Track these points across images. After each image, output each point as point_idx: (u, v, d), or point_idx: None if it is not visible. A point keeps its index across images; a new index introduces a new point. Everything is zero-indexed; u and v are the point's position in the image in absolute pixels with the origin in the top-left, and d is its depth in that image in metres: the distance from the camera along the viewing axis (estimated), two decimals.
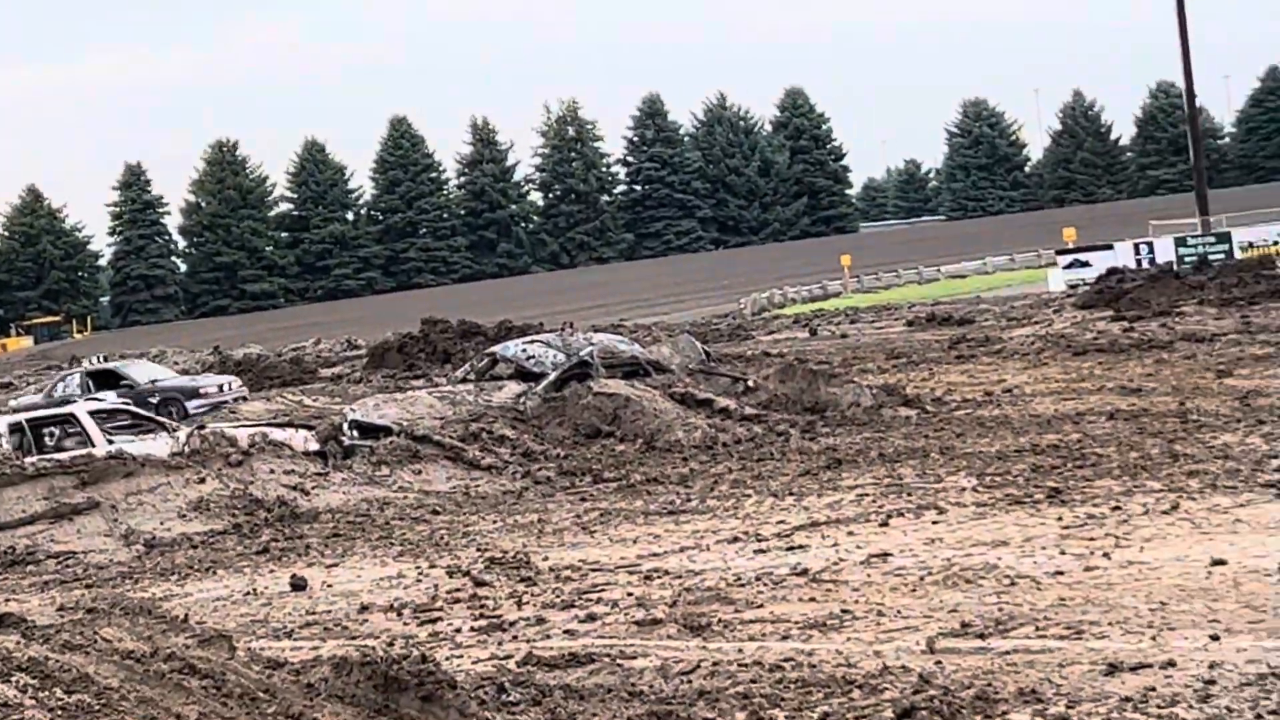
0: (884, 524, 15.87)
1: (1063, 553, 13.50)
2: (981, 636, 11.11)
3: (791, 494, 18.20)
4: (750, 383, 26.16)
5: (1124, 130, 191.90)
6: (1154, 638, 10.62)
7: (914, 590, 12.81)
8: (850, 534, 15.54)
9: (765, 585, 13.52)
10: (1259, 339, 28.39)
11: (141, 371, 46.03)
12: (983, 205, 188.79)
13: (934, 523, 15.63)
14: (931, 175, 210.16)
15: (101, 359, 50.34)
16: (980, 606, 11.96)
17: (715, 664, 11.03)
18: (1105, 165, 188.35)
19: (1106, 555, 13.21)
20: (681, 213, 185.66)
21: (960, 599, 12.30)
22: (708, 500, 18.51)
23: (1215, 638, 10.40)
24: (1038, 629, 11.17)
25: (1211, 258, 50.10)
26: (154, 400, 42.20)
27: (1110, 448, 18.74)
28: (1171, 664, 9.94)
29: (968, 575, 13.05)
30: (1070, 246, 60.81)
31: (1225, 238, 54.57)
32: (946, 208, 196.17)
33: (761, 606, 12.75)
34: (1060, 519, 14.99)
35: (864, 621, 11.97)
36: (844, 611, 12.26)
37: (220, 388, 44.21)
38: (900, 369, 31.70)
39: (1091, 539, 13.94)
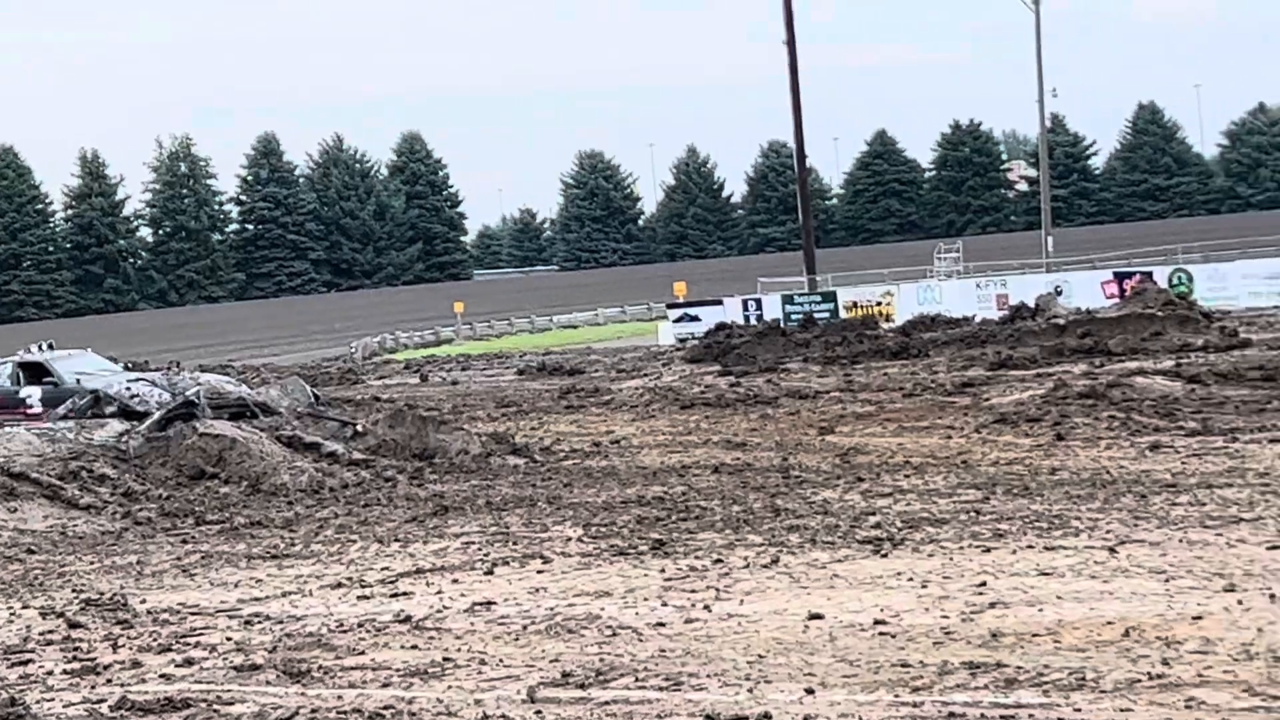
0: (489, 572, 15.82)
1: (665, 604, 13.63)
2: (582, 686, 11.13)
3: (397, 540, 18.04)
4: (359, 427, 25.92)
5: (736, 188, 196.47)
6: (751, 690, 10.76)
7: (517, 639, 12.78)
8: (455, 581, 15.46)
9: (368, 632, 13.34)
10: (860, 397, 29.22)
11: (72, 366, 39.92)
12: (596, 257, 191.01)
13: (539, 572, 15.64)
14: (547, 225, 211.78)
15: (43, 346, 42.41)
16: (582, 656, 11.99)
17: (314, 711, 10.82)
18: (717, 221, 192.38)
19: (707, 607, 13.38)
20: (294, 254, 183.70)
21: (562, 648, 12.31)
22: (312, 545, 18.22)
23: (810, 691, 10.59)
24: (638, 679, 11.23)
25: (817, 316, 51.49)
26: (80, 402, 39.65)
27: (714, 501, 19.05)
28: (767, 716, 10.08)
29: (570, 625, 13.07)
30: (680, 300, 61.94)
31: (831, 296, 56.21)
32: (560, 258, 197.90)
33: (363, 653, 12.58)
34: (663, 570, 15.15)
35: (465, 670, 11.88)
36: (446, 659, 12.16)
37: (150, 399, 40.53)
38: (510, 417, 31.75)
39: (693, 591, 14.11)
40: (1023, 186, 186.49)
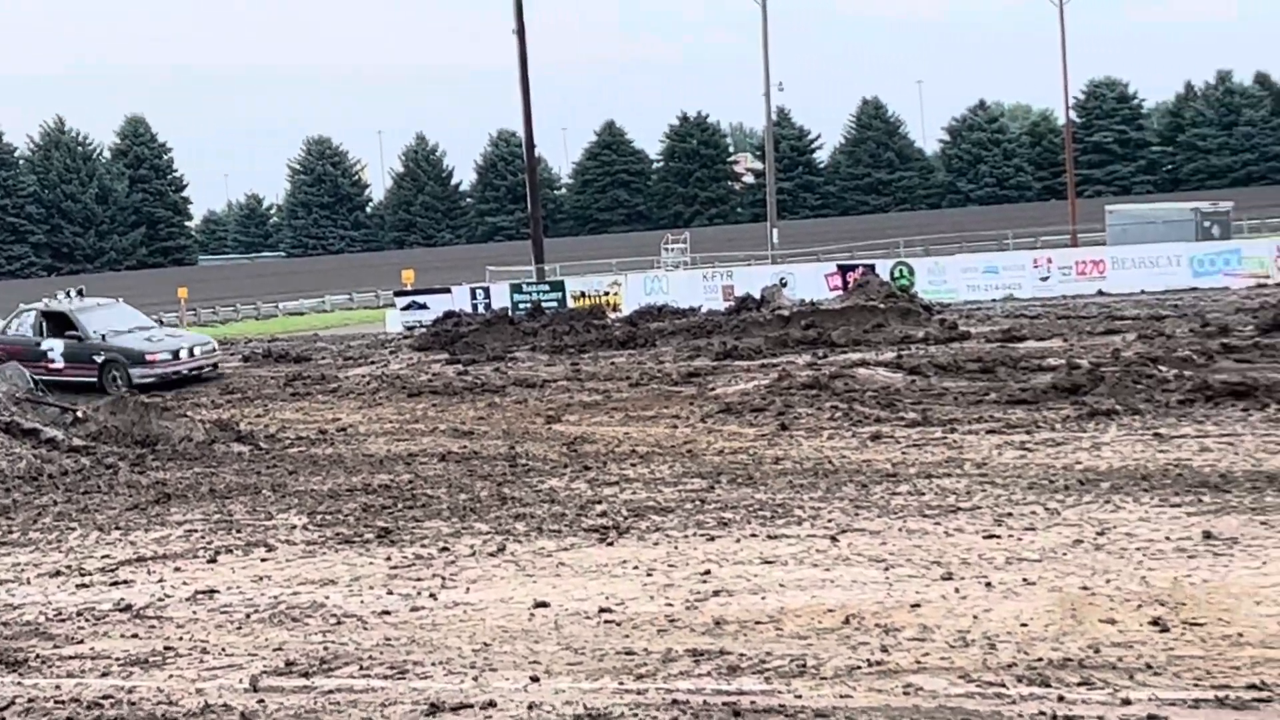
0: (212, 560, 15.59)
1: (390, 592, 13.55)
2: (306, 675, 11.02)
3: (118, 528, 17.68)
4: (80, 413, 25.32)
5: (465, 176, 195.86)
6: (476, 678, 10.75)
7: (240, 628, 12.61)
8: (177, 570, 15.21)
9: (87, 621, 13.07)
10: (587, 386, 29.30)
11: (99, 319, 37.39)
12: (324, 244, 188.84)
13: (263, 560, 15.45)
14: (274, 211, 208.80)
15: (71, 294, 39.47)
16: (306, 645, 11.87)
17: (31, 700, 10.58)
18: (446, 210, 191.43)
19: (433, 595, 13.33)
20: (14, 237, 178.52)
21: (286, 637, 12.17)
22: (30, 532, 17.78)
23: (535, 679, 10.61)
24: (362, 668, 11.15)
25: (545, 305, 51.54)
26: (99, 359, 36.13)
27: (441, 489, 18.97)
28: (492, 704, 10.07)
29: (294, 614, 12.94)
30: (408, 288, 61.43)
31: (559, 286, 56.26)
32: (288, 244, 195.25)
33: (82, 642, 12.32)
34: (389, 559, 15.06)
35: (187, 659, 11.70)
36: (167, 648, 11.95)
37: (177, 354, 36.71)
38: (235, 404, 31.27)
39: (419, 579, 14.05)
40: (749, 179, 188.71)
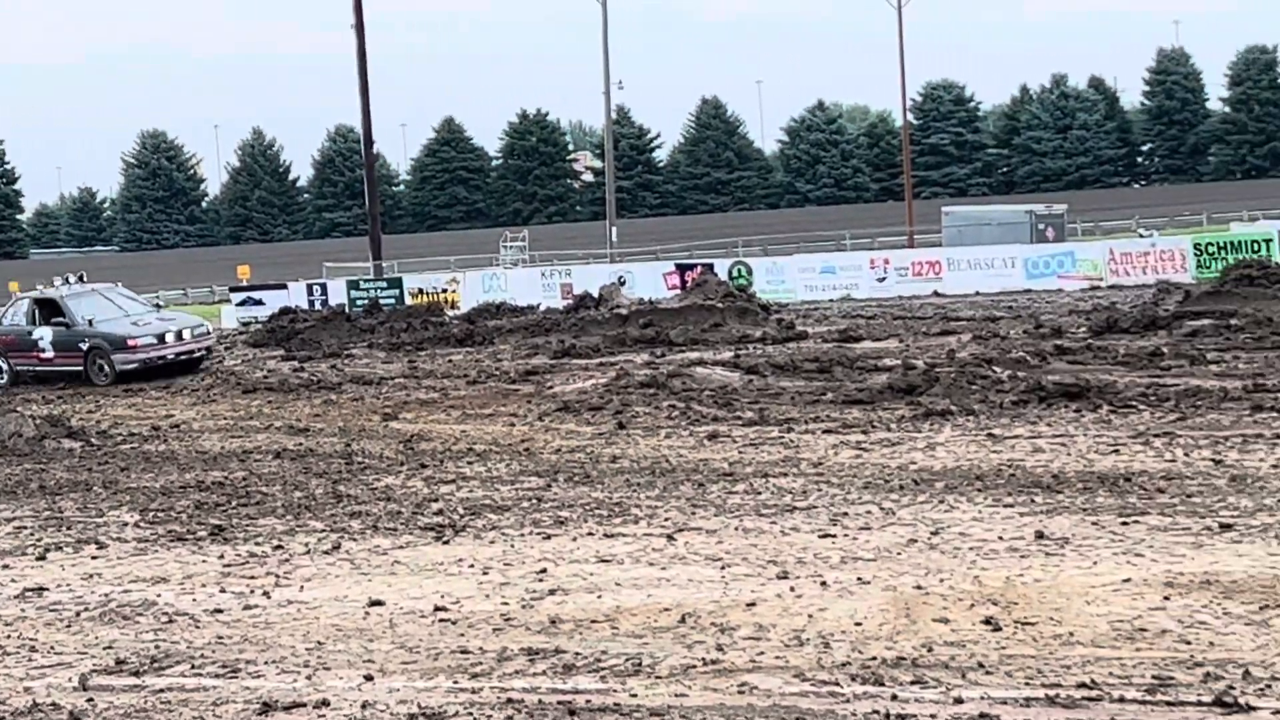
0: (41, 558, 15.34)
1: (223, 590, 13.41)
2: (136, 674, 10.86)
3: None
4: None
5: (303, 172, 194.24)
6: (309, 677, 10.65)
7: (69, 626, 12.41)
8: (5, 567, 14.96)
9: None
10: (425, 384, 29.17)
11: (89, 305, 35.37)
12: (158, 238, 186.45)
13: (93, 558, 15.22)
14: (107, 205, 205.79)
15: (70, 280, 37.14)
16: (137, 643, 11.71)
17: None
18: (283, 205, 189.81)
19: (267, 594, 13.20)
20: None
21: (117, 635, 12.00)
22: None
23: (369, 678, 10.53)
24: (194, 667, 11.01)
25: (383, 302, 51.24)
26: (84, 346, 34.18)
27: (275, 486, 18.80)
28: (325, 703, 9.98)
29: (125, 612, 12.76)
30: (244, 284, 60.80)
31: (397, 283, 55.93)
32: (122, 238, 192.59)
33: None
34: (222, 557, 14.90)
35: (15, 657, 11.51)
36: None
37: (163, 337, 34.51)
38: (66, 400, 30.81)
39: (252, 577, 13.91)
40: (589, 177, 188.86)
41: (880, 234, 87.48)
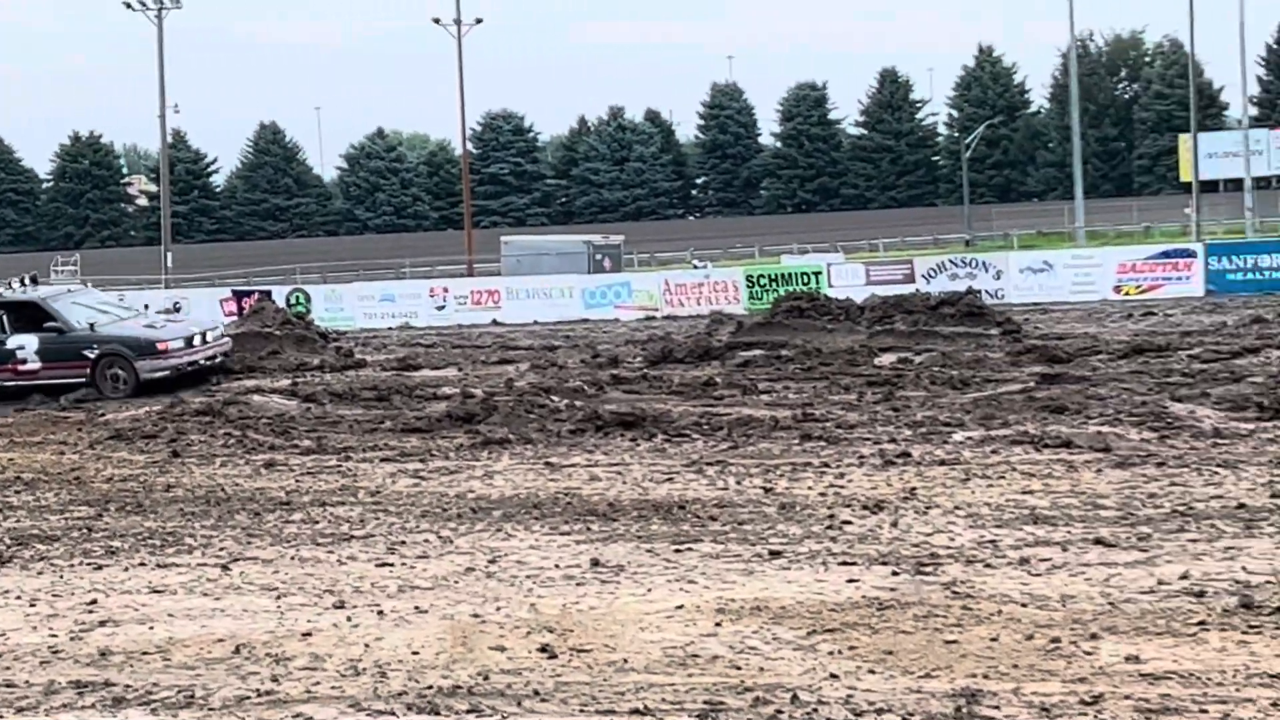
0: None
1: None
2: None
3: None
4: None
5: None
6: None
7: None
8: None
9: None
10: None
11: (78, 308, 31.77)
12: None
13: None
14: None
15: (26, 281, 32.58)
16: None
17: None
18: None
19: None
20: None
21: None
22: None
23: None
24: None
25: None
26: (91, 354, 30.00)
27: None
28: None
29: None
30: None
31: None
32: None
33: None
34: None
35: None
36: None
37: (191, 341, 31.30)
38: None
39: None
40: (143, 201, 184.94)
41: (440, 262, 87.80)
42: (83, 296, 33.38)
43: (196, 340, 31.68)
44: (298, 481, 19.22)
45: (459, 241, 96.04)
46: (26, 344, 30.64)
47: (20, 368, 30.58)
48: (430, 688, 10.36)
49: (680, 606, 12.18)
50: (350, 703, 10.11)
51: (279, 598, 13.18)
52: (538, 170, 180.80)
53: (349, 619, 12.32)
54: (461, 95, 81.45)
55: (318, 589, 13.45)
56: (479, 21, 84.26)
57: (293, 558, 14.83)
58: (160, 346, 30.67)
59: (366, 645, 11.48)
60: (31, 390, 30.36)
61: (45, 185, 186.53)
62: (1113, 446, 18.22)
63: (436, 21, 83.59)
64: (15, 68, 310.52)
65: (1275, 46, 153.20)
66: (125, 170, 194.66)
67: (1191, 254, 44.23)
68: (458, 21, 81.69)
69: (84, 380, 30.36)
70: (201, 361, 31.50)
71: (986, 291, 40.75)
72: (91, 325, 30.99)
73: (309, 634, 11.88)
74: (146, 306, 36.67)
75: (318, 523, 16.52)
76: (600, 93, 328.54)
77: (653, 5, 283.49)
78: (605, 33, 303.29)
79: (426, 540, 15.34)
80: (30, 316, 31.16)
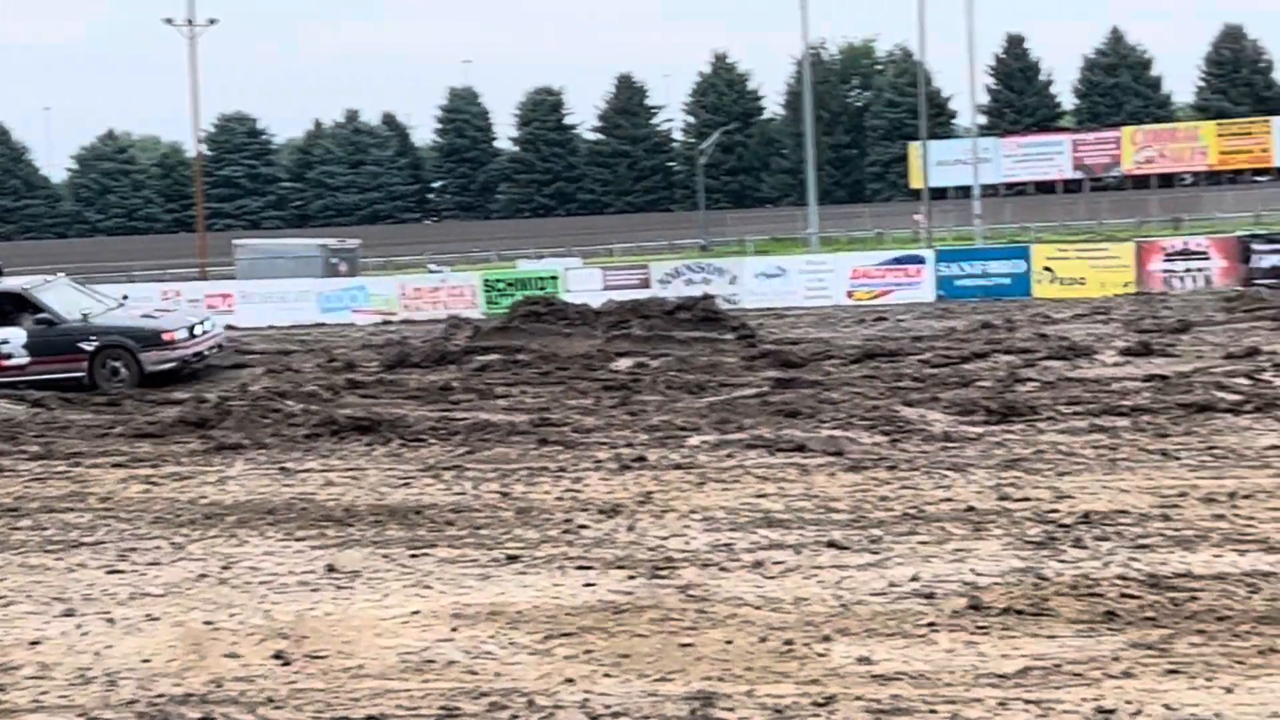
0: None
1: None
2: None
3: None
4: None
5: None
6: None
7: None
8: None
9: None
10: None
11: (65, 301, 29.68)
12: None
13: None
14: None
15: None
16: None
17: None
18: None
19: None
20: None
21: None
22: None
23: None
24: None
25: None
26: (89, 346, 28.04)
27: None
28: None
29: None
30: None
31: None
32: None
33: None
34: None
35: None
36: None
37: (193, 331, 29.80)
38: None
39: None
40: None
41: (172, 265, 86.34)
42: (61, 286, 31.87)
43: (197, 330, 30.85)
44: (25, 488, 18.80)
45: (192, 244, 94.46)
46: (11, 338, 29.20)
47: (6, 363, 29.11)
48: (162, 696, 10.24)
49: (416, 612, 12.17)
50: (79, 712, 9.95)
51: (6, 606, 12.90)
52: (273, 173, 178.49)
53: (78, 627, 12.11)
54: (195, 97, 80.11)
55: (46, 596, 13.19)
56: (212, 22, 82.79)
57: (20, 565, 14.52)
58: (166, 337, 29.67)
59: (96, 653, 11.31)
60: (20, 387, 28.54)
61: None
62: (845, 450, 18.59)
63: (169, 22, 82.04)
64: None
65: (1004, 57, 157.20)
66: None
67: (922, 260, 45.14)
68: (190, 22, 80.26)
69: (80, 375, 28.96)
70: (205, 352, 30.78)
71: (722, 296, 41.10)
72: (85, 315, 29.84)
73: (37, 642, 11.66)
74: (125, 298, 35.15)
75: (46, 529, 16.20)
76: (337, 96, 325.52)
77: (389, 8, 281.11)
78: (341, 36, 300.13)
79: (158, 547, 15.12)
80: (15, 308, 29.82)
